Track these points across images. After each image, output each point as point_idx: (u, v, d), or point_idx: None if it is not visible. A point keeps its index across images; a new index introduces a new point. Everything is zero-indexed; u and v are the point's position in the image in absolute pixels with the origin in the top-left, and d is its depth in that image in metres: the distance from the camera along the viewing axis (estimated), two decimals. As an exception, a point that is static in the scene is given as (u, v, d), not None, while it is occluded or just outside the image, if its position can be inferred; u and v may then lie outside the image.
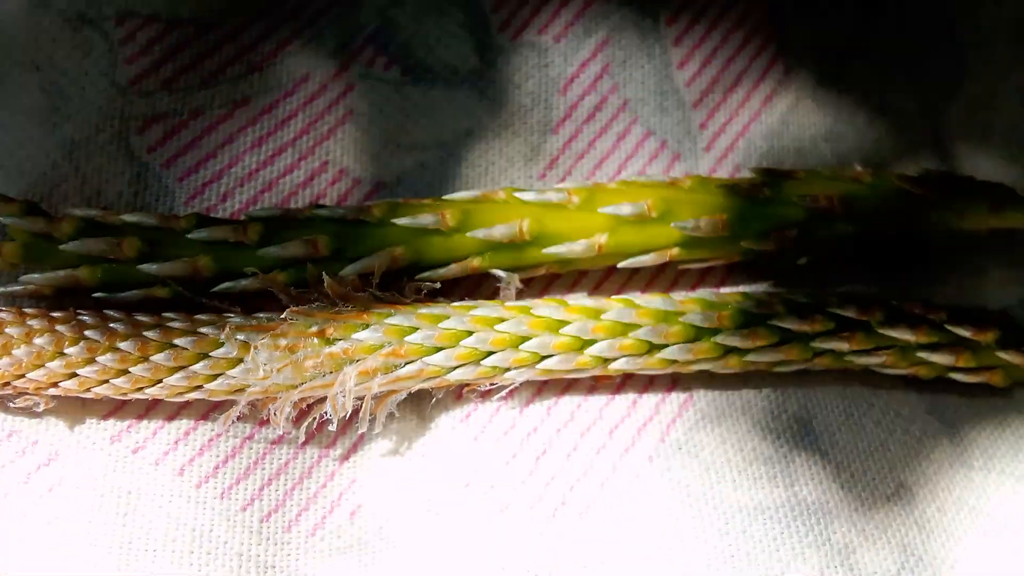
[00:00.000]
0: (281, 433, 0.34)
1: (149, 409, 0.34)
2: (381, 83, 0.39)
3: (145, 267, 0.32)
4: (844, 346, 0.34)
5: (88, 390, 0.31)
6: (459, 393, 0.35)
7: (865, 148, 0.41)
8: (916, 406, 0.37)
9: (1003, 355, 0.35)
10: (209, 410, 0.33)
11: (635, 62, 0.40)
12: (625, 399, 0.36)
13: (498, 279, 0.34)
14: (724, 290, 0.37)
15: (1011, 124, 0.42)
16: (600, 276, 0.37)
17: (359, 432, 0.34)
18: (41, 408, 0.32)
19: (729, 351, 0.34)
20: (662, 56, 0.41)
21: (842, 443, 0.36)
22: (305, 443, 0.34)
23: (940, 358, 0.35)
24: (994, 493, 0.36)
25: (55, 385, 0.31)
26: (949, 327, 0.35)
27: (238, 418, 0.34)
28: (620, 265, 0.35)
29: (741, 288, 0.38)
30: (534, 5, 0.40)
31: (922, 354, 0.35)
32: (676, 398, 0.36)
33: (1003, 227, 0.36)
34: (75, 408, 0.33)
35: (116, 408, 0.33)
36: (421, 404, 0.35)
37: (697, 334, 0.33)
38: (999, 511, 0.35)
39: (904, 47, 0.43)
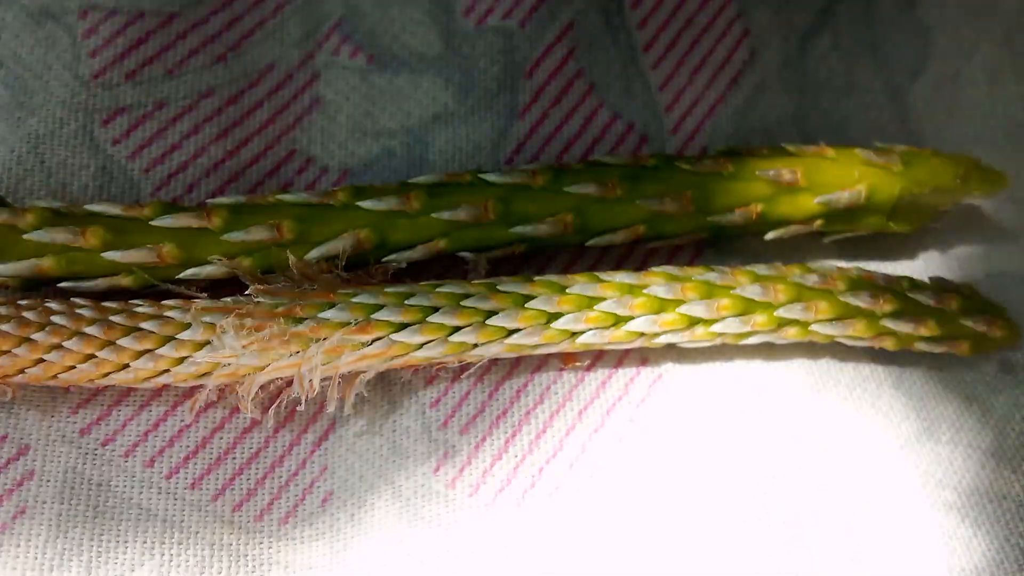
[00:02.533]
0: (251, 421, 0.34)
1: (119, 400, 0.34)
2: (347, 71, 0.39)
3: (109, 255, 0.32)
4: (808, 315, 0.34)
5: (55, 377, 0.31)
6: (429, 376, 0.35)
7: (832, 128, 0.41)
8: (882, 381, 0.37)
9: (968, 323, 0.36)
10: (179, 401, 0.33)
11: (600, 45, 0.40)
12: (595, 379, 0.36)
13: (465, 261, 0.34)
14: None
15: (976, 102, 0.43)
16: (569, 257, 0.38)
17: (330, 420, 0.34)
18: (9, 397, 0.32)
19: (695, 322, 0.34)
20: (627, 39, 0.41)
21: (810, 419, 0.36)
22: (276, 431, 0.34)
23: (904, 326, 0.35)
24: (960, 467, 0.36)
25: (22, 372, 0.31)
26: (911, 295, 0.35)
27: (207, 407, 0.34)
28: (588, 243, 0.35)
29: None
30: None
31: (886, 323, 0.35)
32: (646, 377, 0.36)
33: (970, 198, 0.37)
34: (44, 401, 0.33)
35: (86, 400, 0.33)
36: (391, 389, 0.35)
37: (662, 305, 0.33)
38: (964, 484, 0.35)
39: (868, 26, 0.43)
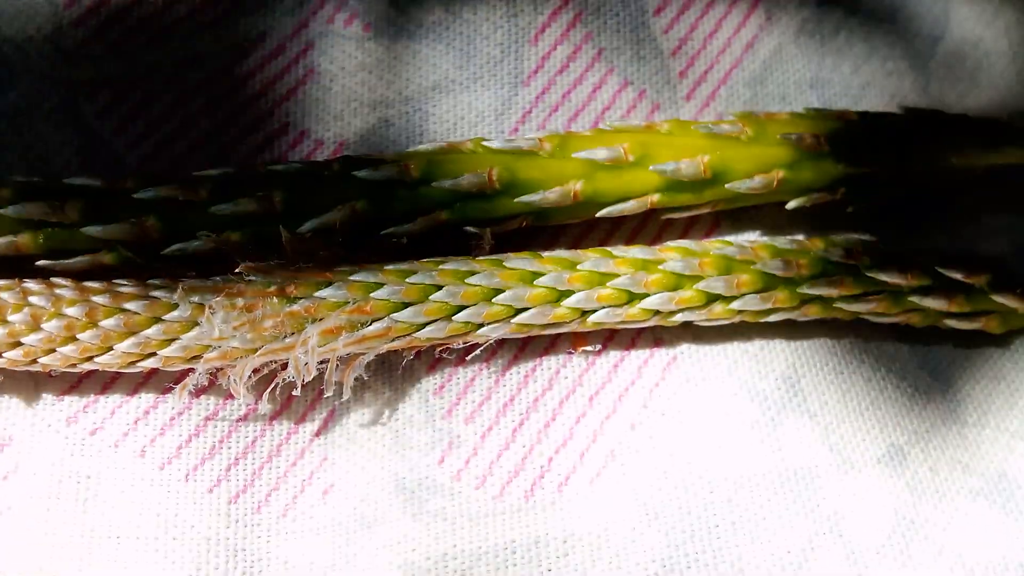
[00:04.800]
0: (246, 409, 0.32)
1: (106, 387, 0.32)
2: (342, 40, 0.37)
3: (89, 230, 0.30)
4: (833, 291, 0.32)
5: (34, 361, 0.30)
6: (432, 361, 0.34)
7: (852, 95, 0.39)
8: (907, 360, 0.36)
9: (998, 298, 0.34)
10: (169, 386, 0.32)
11: (609, 9, 0.39)
12: (606, 362, 0.34)
13: (469, 236, 0.33)
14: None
15: (998, 70, 0.41)
16: (579, 231, 0.36)
17: (329, 407, 0.33)
18: (-11, 382, 0.30)
19: (713, 299, 0.32)
20: (637, 3, 0.39)
21: (831, 403, 0.35)
22: (272, 419, 0.33)
23: (933, 303, 0.33)
24: (988, 450, 0.34)
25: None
26: (940, 270, 0.34)
27: (200, 393, 0.32)
28: (599, 214, 0.33)
29: (727, 237, 0.36)
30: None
31: (914, 299, 0.33)
32: (659, 360, 0.35)
33: (999, 164, 0.35)
34: (27, 388, 0.32)
35: (71, 387, 0.32)
36: (392, 374, 0.33)
37: (678, 282, 0.32)
38: (992, 469, 0.34)
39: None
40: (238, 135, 0.36)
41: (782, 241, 0.34)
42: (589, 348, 0.34)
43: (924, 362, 0.36)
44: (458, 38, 0.37)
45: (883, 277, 0.33)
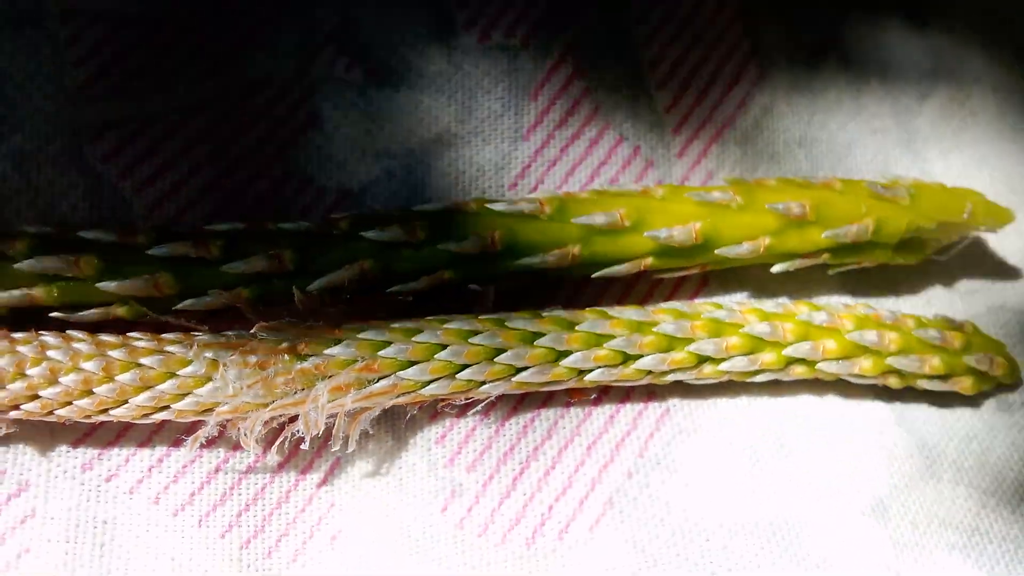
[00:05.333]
0: (255, 457, 0.33)
1: (120, 436, 0.33)
2: (344, 85, 0.38)
3: (104, 285, 0.31)
4: (816, 354, 0.34)
5: (51, 412, 0.30)
6: (434, 412, 0.35)
7: (838, 152, 0.41)
8: (885, 419, 0.37)
9: (971, 361, 0.36)
10: (181, 435, 0.33)
11: (606, 65, 0.39)
12: (602, 414, 0.36)
13: (472, 291, 0.34)
14: (698, 300, 0.37)
15: (984, 126, 0.42)
16: (575, 287, 0.37)
17: (334, 456, 0.34)
18: (3, 432, 0.31)
19: (703, 360, 0.33)
20: (632, 58, 0.40)
21: (816, 458, 0.36)
22: (280, 468, 0.33)
23: (909, 364, 0.35)
24: (962, 506, 0.36)
25: (17, 407, 0.30)
26: (917, 333, 0.35)
27: (212, 443, 0.33)
28: (595, 275, 0.34)
29: (715, 299, 0.38)
30: (499, 4, 0.39)
31: (891, 361, 0.35)
32: (653, 411, 0.36)
33: (975, 231, 0.37)
34: (43, 435, 0.32)
35: (86, 435, 0.33)
36: (396, 424, 0.34)
37: (671, 344, 0.33)
38: (966, 524, 0.36)
39: (877, 47, 0.43)
40: (243, 181, 0.36)
41: (769, 304, 0.35)
42: (585, 398, 0.36)
43: (901, 420, 0.37)
44: (460, 91, 0.38)
45: (863, 340, 0.34)
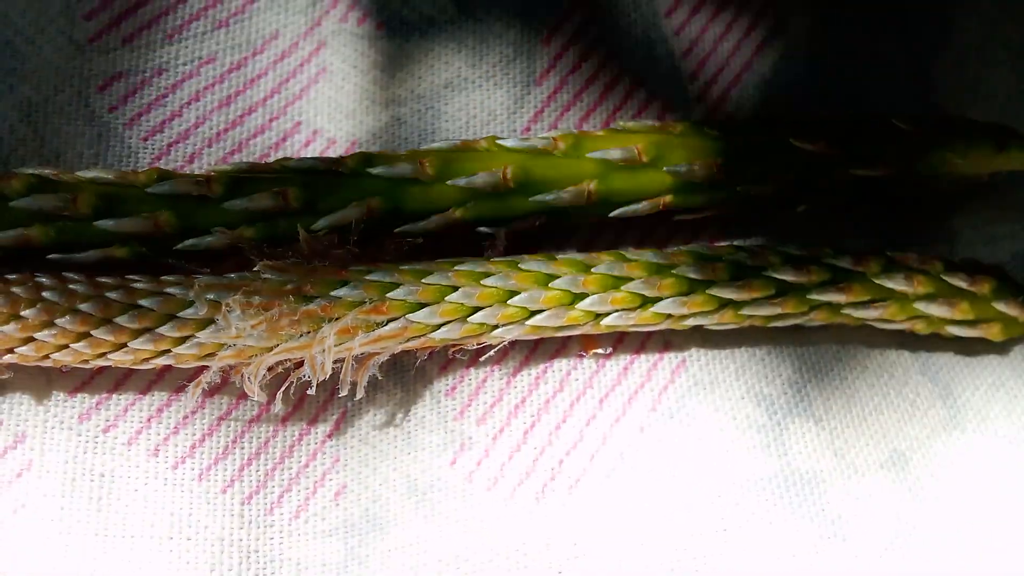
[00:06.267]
0: (259, 409, 0.32)
1: (118, 384, 0.32)
2: (355, 38, 0.37)
3: (102, 223, 0.30)
4: (841, 297, 0.33)
5: (47, 357, 0.30)
6: (445, 361, 0.34)
7: (856, 97, 0.40)
8: (909, 367, 0.36)
9: (1000, 306, 0.34)
10: (182, 385, 0.32)
11: (622, 11, 0.39)
12: (616, 365, 0.34)
13: (484, 236, 0.33)
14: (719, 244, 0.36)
15: (999, 78, 0.41)
16: (591, 232, 0.36)
17: (341, 408, 0.33)
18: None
19: (724, 304, 0.32)
20: (649, 4, 0.39)
21: (836, 409, 0.35)
22: (285, 420, 0.32)
23: (937, 309, 0.34)
24: (987, 456, 0.35)
25: (11, 351, 0.29)
26: (945, 277, 0.34)
27: (215, 392, 0.32)
28: (612, 215, 0.33)
29: (736, 242, 0.36)
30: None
31: (919, 305, 0.33)
32: (669, 363, 0.35)
33: (1006, 169, 0.35)
34: (40, 384, 0.31)
35: (83, 383, 0.32)
36: (404, 375, 0.33)
37: (691, 287, 0.32)
38: (991, 475, 0.34)
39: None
40: (251, 132, 0.35)
41: (792, 247, 0.34)
42: (599, 351, 0.34)
43: (925, 368, 0.36)
44: (471, 37, 0.37)
45: (890, 284, 0.33)
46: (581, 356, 0.34)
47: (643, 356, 0.35)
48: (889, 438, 0.35)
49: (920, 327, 0.34)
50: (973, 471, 0.34)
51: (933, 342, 0.36)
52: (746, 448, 0.34)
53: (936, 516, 0.33)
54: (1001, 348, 0.36)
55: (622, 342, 0.35)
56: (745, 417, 0.34)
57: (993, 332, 0.35)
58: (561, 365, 0.34)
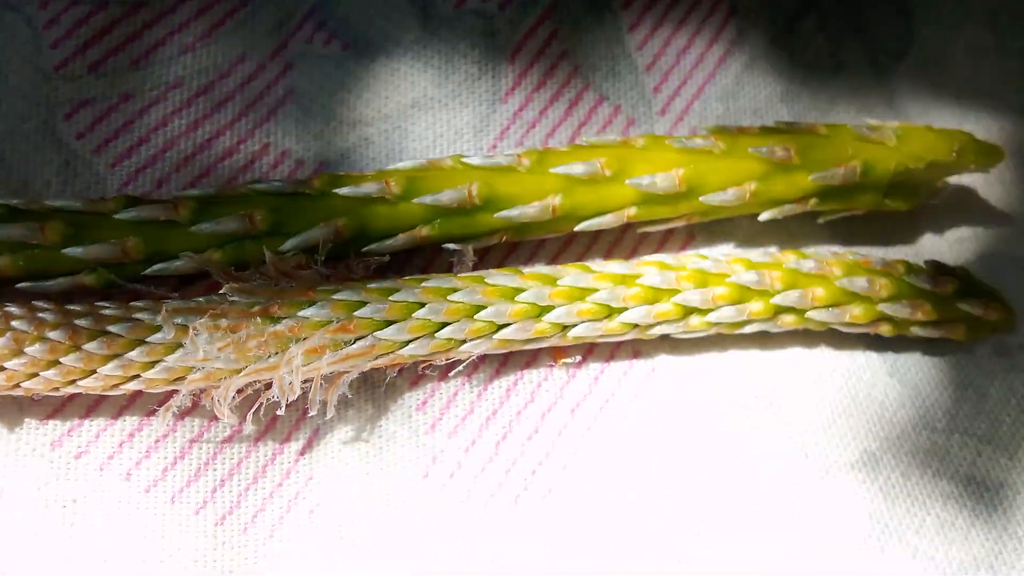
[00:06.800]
0: (231, 430, 0.32)
1: (89, 410, 0.32)
2: (321, 59, 0.37)
3: (70, 251, 0.30)
4: (806, 302, 0.33)
5: (17, 386, 0.30)
6: (415, 376, 0.34)
7: (821, 108, 0.40)
8: (877, 369, 0.36)
9: (963, 306, 0.35)
10: (153, 409, 0.32)
11: (584, 26, 0.39)
12: (587, 375, 0.35)
13: (451, 253, 0.33)
14: (684, 253, 0.36)
15: (961, 83, 0.42)
16: (558, 246, 0.36)
17: (313, 427, 0.33)
18: (-32, 407, 0.30)
19: (690, 312, 0.32)
20: (612, 20, 0.39)
21: (805, 412, 0.35)
22: (257, 440, 0.32)
23: (901, 311, 0.34)
24: (956, 455, 0.35)
25: (-20, 381, 0.29)
26: (908, 279, 0.34)
27: (184, 416, 0.32)
28: (578, 228, 0.33)
29: (702, 250, 0.37)
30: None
31: (883, 307, 0.34)
32: (638, 371, 0.35)
33: (966, 172, 0.36)
34: (11, 411, 0.31)
35: (55, 410, 0.32)
36: (375, 391, 0.34)
37: (656, 295, 0.32)
38: (961, 473, 0.35)
39: (854, 7, 0.42)
40: (220, 156, 0.36)
41: (756, 254, 0.34)
42: (569, 360, 0.35)
43: (893, 370, 0.36)
44: (436, 56, 0.38)
45: (853, 287, 0.33)
46: (551, 366, 0.35)
47: (613, 365, 0.35)
48: (859, 439, 0.35)
49: (885, 330, 0.35)
50: (943, 470, 0.35)
51: (900, 343, 0.36)
52: (719, 453, 0.34)
53: (907, 515, 0.34)
54: (966, 347, 0.37)
55: (592, 352, 0.35)
56: (716, 422, 0.34)
57: (958, 333, 0.35)
58: (532, 377, 0.34)
